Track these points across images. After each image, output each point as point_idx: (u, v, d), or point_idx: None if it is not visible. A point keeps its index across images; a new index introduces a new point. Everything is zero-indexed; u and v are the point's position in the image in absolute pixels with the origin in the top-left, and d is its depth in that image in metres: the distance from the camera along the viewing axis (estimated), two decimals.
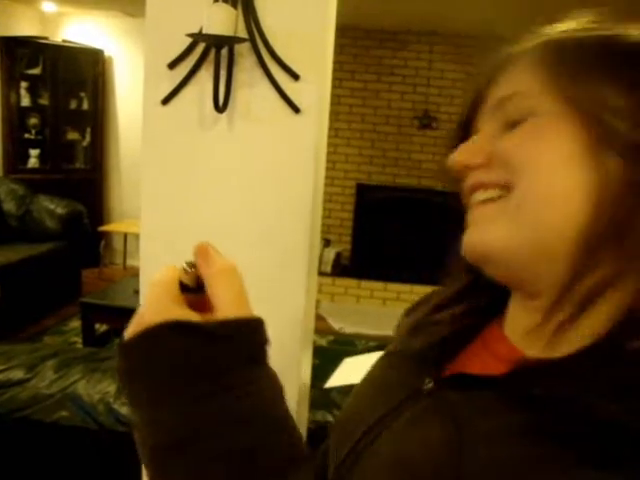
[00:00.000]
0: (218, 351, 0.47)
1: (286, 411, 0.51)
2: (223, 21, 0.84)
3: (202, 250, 0.51)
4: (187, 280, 0.51)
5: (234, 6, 0.90)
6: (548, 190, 0.47)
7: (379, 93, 5.32)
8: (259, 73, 0.91)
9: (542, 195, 0.47)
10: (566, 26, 0.54)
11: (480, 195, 0.53)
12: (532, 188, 0.48)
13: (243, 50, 0.92)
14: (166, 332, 0.47)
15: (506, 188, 0.50)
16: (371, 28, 5.15)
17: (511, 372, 0.47)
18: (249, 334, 0.49)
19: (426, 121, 5.29)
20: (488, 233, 0.50)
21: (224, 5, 0.86)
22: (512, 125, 0.51)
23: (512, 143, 0.50)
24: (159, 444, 0.47)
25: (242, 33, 0.91)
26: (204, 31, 0.85)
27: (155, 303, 0.50)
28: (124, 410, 1.53)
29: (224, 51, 0.90)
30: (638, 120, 0.46)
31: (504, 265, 0.51)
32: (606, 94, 0.47)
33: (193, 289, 0.51)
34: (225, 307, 0.49)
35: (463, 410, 0.47)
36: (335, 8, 1.01)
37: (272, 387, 0.50)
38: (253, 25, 0.91)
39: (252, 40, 0.90)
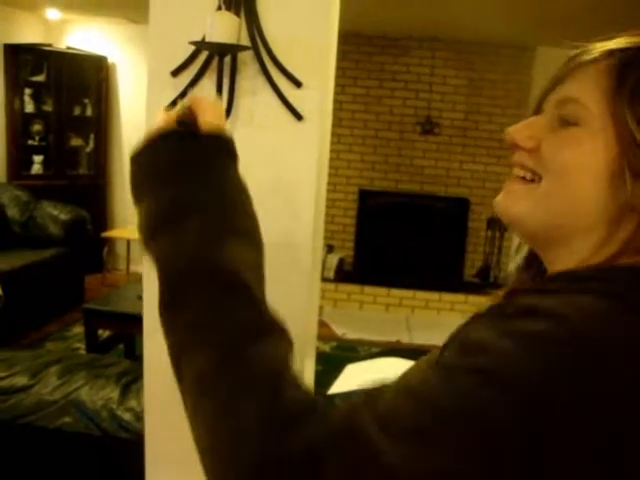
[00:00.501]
0: (203, 147, 0.62)
1: (253, 212, 0.64)
2: (226, 29, 0.85)
3: (196, 97, 0.67)
4: (183, 116, 0.64)
5: (237, 14, 0.90)
6: (569, 194, 0.58)
7: (381, 99, 5.33)
8: (262, 80, 0.92)
9: (564, 196, 0.58)
10: (635, 41, 0.58)
11: (519, 171, 0.63)
12: (557, 188, 0.59)
13: (246, 58, 0.92)
14: (166, 135, 0.62)
15: (538, 176, 0.61)
16: (373, 34, 5.16)
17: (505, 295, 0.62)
18: (226, 143, 0.65)
19: (428, 127, 5.30)
20: (516, 206, 0.63)
21: (227, 13, 0.87)
22: (566, 123, 0.60)
23: (552, 145, 0.60)
24: (152, 224, 0.61)
25: (245, 41, 0.91)
26: (207, 39, 0.85)
27: (156, 128, 0.64)
28: (127, 416, 1.53)
29: (227, 59, 0.91)
30: None
31: (526, 231, 0.64)
32: None
33: (187, 124, 0.64)
34: (210, 130, 0.64)
35: (464, 327, 0.59)
36: (337, 15, 1.02)
37: (243, 189, 0.65)
38: (256, 33, 0.91)
39: (255, 48, 0.91)
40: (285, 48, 0.92)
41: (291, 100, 0.91)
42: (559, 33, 2.32)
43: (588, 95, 0.58)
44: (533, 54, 5.02)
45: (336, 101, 1.16)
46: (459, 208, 5.36)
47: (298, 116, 0.92)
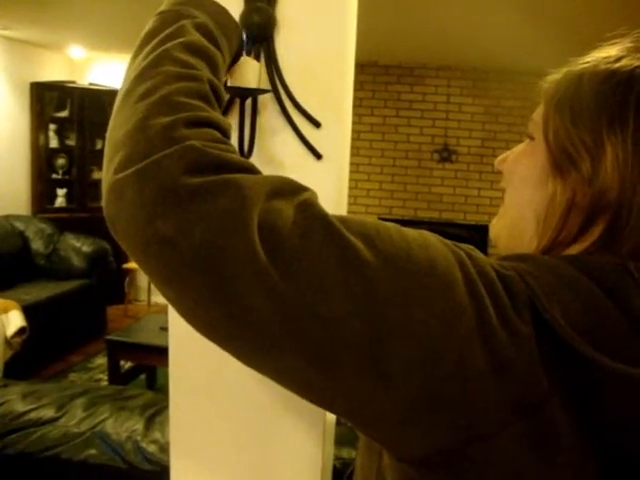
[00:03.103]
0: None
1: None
2: (247, 74, 0.88)
3: None
4: None
5: (257, 58, 0.94)
6: (517, 200, 0.64)
7: (398, 128, 5.38)
8: (282, 121, 0.95)
9: (514, 203, 0.65)
10: (580, 62, 0.62)
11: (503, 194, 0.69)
12: (509, 196, 0.66)
13: (266, 99, 0.96)
14: None
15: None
16: (389, 64, 5.23)
17: None
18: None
19: (446, 154, 5.33)
20: (495, 225, 0.69)
21: (248, 59, 0.90)
22: (529, 140, 0.65)
23: (509, 158, 0.67)
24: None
25: (264, 83, 0.94)
26: (229, 84, 0.89)
27: None
28: (152, 448, 1.55)
29: (248, 101, 0.94)
30: (595, 158, 0.55)
31: (503, 249, 0.67)
32: (569, 135, 0.58)
33: None
34: None
35: None
36: (354, 53, 1.05)
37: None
38: (275, 76, 0.95)
39: (275, 90, 0.94)
40: (304, 89, 0.95)
41: (310, 140, 0.94)
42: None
43: (539, 111, 0.63)
44: None
45: (353, 131, 1.19)
46: (478, 235, 5.36)
47: (318, 155, 0.94)
